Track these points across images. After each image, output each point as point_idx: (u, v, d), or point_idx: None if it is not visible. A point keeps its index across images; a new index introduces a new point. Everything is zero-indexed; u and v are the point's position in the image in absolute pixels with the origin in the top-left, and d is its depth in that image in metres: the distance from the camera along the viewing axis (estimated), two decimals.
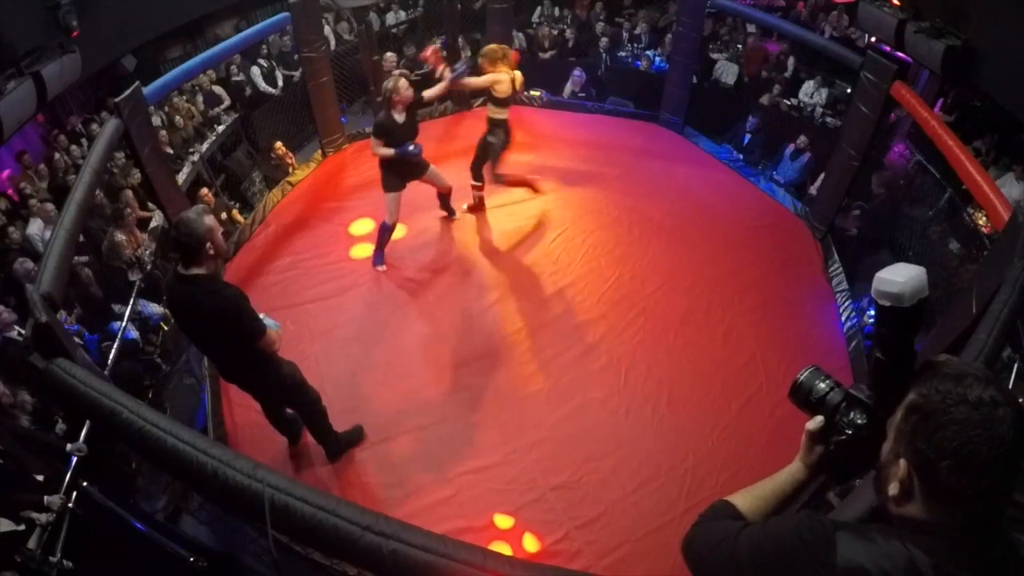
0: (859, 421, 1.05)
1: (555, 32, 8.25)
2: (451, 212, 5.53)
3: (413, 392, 4.16)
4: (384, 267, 5.08)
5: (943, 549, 0.88)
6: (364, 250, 5.33)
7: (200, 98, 7.19)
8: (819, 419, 1.11)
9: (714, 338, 4.56)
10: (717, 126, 6.95)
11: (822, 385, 1.11)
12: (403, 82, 4.38)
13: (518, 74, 4.78)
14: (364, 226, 5.59)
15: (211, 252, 2.58)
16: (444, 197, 5.36)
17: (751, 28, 8.06)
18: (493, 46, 4.85)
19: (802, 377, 1.14)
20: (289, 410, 3.50)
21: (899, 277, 0.93)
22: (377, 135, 4.44)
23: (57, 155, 6.07)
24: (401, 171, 4.64)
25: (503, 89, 4.72)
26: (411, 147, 4.43)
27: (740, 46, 7.97)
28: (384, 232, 4.91)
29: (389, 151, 4.42)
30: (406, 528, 1.87)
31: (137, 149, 4.35)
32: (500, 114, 4.92)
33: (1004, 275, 2.82)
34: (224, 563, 3.15)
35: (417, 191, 5.77)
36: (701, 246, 5.36)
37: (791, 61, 7.53)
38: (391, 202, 4.74)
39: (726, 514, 1.19)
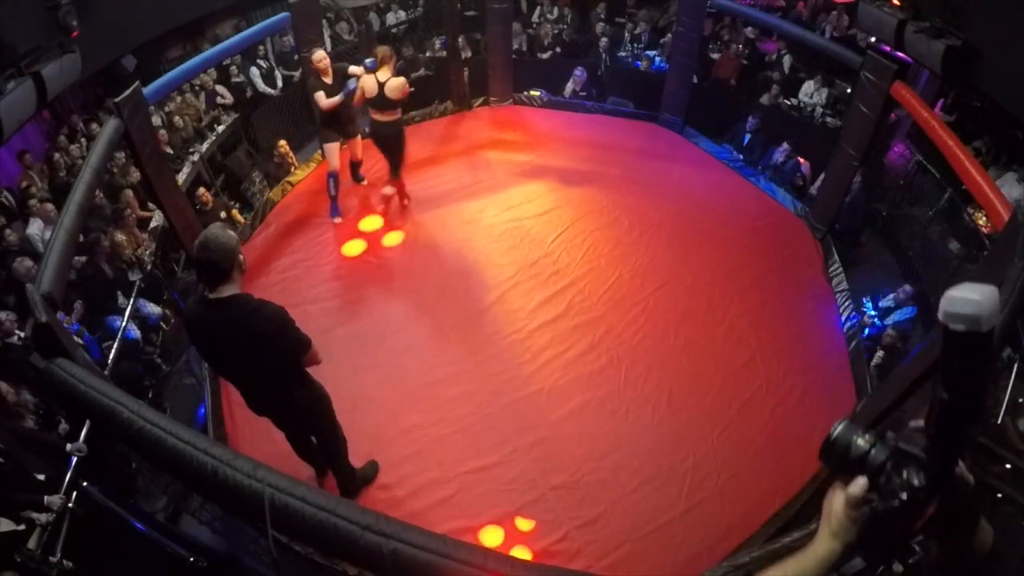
0: (915, 482, 0.84)
1: (555, 32, 8.25)
2: (359, 179, 6.04)
3: (413, 392, 4.16)
4: (340, 219, 5.64)
5: None
6: (367, 250, 5.34)
7: (202, 97, 7.20)
8: (863, 481, 0.90)
9: (714, 338, 4.56)
10: (717, 126, 6.95)
11: (861, 441, 0.91)
12: (319, 52, 5.09)
13: (368, 79, 4.80)
14: (365, 225, 5.60)
15: (243, 267, 2.42)
16: (355, 165, 5.91)
17: (737, 32, 8.03)
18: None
19: (836, 432, 0.93)
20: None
21: (976, 294, 0.76)
22: (316, 90, 5.12)
23: (57, 155, 6.07)
24: (336, 128, 5.36)
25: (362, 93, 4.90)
26: (351, 84, 4.97)
27: (716, 55, 7.93)
28: (331, 180, 5.55)
29: (335, 99, 5.04)
30: (406, 528, 1.87)
31: (137, 149, 4.35)
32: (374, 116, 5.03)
33: (1004, 275, 2.82)
34: (224, 563, 3.15)
35: (417, 193, 5.80)
36: (701, 246, 5.36)
37: (787, 59, 7.53)
38: (331, 152, 5.47)
39: None
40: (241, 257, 2.40)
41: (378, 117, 4.98)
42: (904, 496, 0.84)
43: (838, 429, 0.93)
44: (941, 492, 0.84)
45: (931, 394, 0.87)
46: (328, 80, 5.07)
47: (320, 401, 2.98)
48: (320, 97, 5.09)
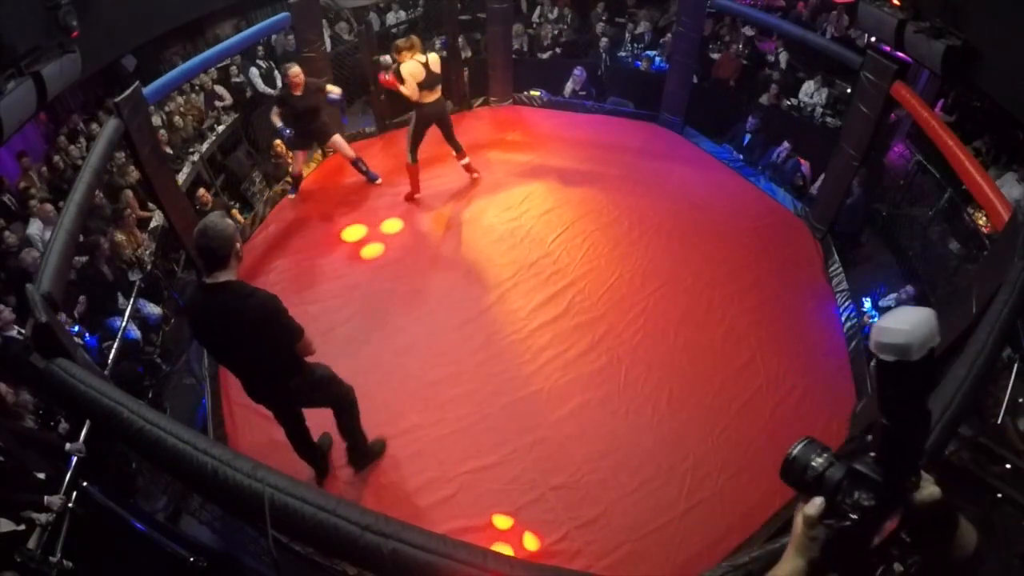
0: (865, 503, 0.87)
1: (555, 32, 8.25)
2: (373, 178, 5.98)
3: (413, 392, 4.16)
4: (293, 196, 5.95)
5: None
6: (366, 250, 5.35)
7: (201, 97, 7.21)
8: (819, 501, 0.92)
9: (714, 338, 4.56)
10: (717, 126, 6.95)
11: (818, 460, 0.94)
12: (295, 68, 5.19)
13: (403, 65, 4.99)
14: (362, 229, 5.60)
15: (239, 255, 2.50)
16: (355, 163, 5.88)
17: (746, 31, 8.03)
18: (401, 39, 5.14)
19: (795, 451, 0.96)
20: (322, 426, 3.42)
21: (904, 324, 0.77)
22: (277, 104, 5.34)
23: (56, 156, 6.07)
24: (304, 134, 5.47)
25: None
26: (286, 131, 5.35)
27: (716, 55, 7.93)
28: (295, 179, 5.95)
29: (277, 123, 5.32)
30: (406, 528, 1.87)
31: (137, 149, 4.35)
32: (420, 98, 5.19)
33: (1004, 275, 2.82)
34: (224, 563, 3.15)
35: (419, 191, 5.80)
36: (701, 246, 5.36)
37: (784, 56, 7.53)
38: (295, 157, 5.79)
39: None
40: (238, 245, 2.48)
41: (429, 98, 5.13)
42: (855, 516, 0.86)
43: (797, 448, 0.96)
44: (896, 511, 0.86)
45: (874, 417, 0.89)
46: (298, 94, 5.16)
47: (321, 383, 3.05)
48: (273, 112, 5.33)
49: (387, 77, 5.17)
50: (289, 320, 2.61)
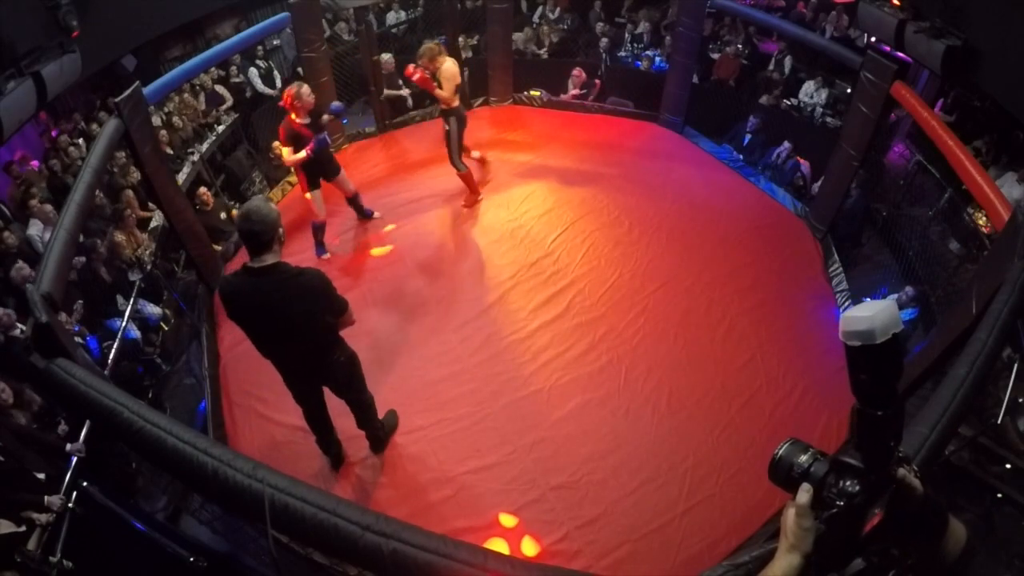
0: (851, 489, 0.90)
1: (556, 31, 8.24)
2: (362, 213, 5.57)
3: (413, 392, 4.16)
4: (328, 255, 5.27)
5: None
6: (363, 249, 5.35)
7: (202, 98, 7.21)
8: (807, 486, 0.96)
9: (714, 338, 4.56)
10: (717, 126, 6.95)
11: (803, 458, 0.98)
12: (305, 88, 4.58)
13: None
14: (361, 230, 5.59)
15: (282, 239, 2.57)
16: (352, 200, 5.43)
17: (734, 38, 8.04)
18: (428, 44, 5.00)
19: (780, 452, 1.01)
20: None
21: (867, 311, 0.87)
22: (287, 143, 4.59)
23: (55, 156, 6.06)
24: (315, 172, 4.85)
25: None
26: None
27: (716, 55, 7.93)
28: (317, 230, 5.17)
29: (301, 154, 4.57)
30: (406, 528, 1.87)
31: (137, 149, 4.35)
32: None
33: (1004, 275, 2.82)
34: (224, 563, 3.15)
35: (417, 193, 5.81)
36: (701, 246, 5.36)
37: (788, 60, 7.54)
38: (315, 201, 4.96)
39: None
40: (281, 230, 2.61)
41: (457, 101, 5.08)
42: (841, 503, 0.90)
43: (782, 448, 1.01)
44: (882, 498, 0.89)
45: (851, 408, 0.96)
46: (303, 121, 4.54)
47: (353, 360, 3.16)
48: (287, 154, 4.58)
49: (417, 75, 4.81)
50: (336, 293, 2.78)
